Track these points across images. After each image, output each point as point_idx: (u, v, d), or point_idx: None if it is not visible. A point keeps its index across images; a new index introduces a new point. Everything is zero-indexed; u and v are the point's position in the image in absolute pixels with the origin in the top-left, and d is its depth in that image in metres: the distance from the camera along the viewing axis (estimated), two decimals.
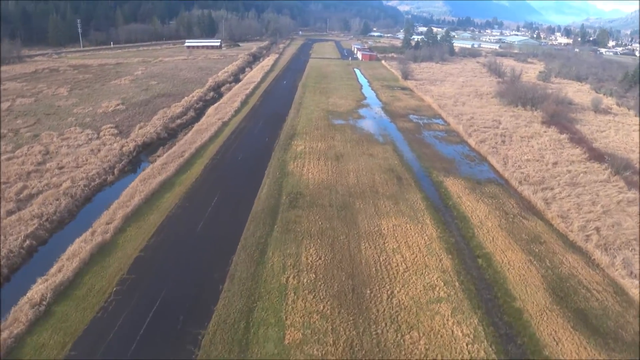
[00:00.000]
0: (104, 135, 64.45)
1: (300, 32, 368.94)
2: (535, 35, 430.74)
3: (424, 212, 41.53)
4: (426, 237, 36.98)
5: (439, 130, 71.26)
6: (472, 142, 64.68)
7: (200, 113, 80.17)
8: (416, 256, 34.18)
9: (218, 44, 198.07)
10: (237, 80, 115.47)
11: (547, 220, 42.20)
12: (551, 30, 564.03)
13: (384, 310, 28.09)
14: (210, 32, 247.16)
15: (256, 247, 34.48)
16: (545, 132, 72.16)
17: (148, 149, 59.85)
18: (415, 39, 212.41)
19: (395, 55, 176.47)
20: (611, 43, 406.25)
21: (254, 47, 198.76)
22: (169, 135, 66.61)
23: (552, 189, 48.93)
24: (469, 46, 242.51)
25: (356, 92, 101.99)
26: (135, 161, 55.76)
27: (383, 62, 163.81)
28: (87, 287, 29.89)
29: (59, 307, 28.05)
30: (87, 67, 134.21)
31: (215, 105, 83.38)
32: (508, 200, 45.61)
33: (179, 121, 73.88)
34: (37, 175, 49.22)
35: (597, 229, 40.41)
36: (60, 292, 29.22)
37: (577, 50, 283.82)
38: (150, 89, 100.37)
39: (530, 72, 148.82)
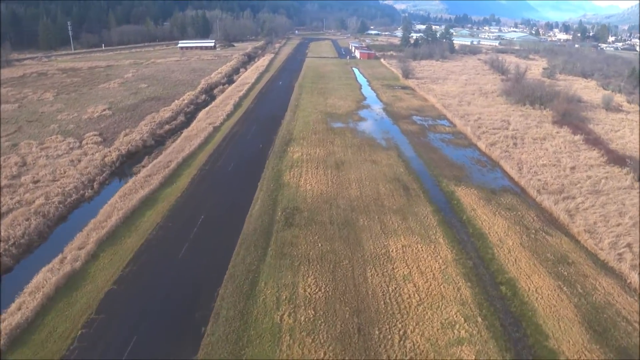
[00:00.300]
0: (87, 143, 60.01)
1: (297, 32, 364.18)
2: (534, 32, 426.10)
3: (436, 229, 37.06)
4: (440, 261, 32.50)
5: (445, 132, 66.78)
6: (481, 145, 60.25)
7: (190, 117, 75.62)
8: (430, 285, 29.71)
9: (212, 44, 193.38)
10: (230, 81, 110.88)
11: (572, 235, 37.79)
12: (549, 27, 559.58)
13: (397, 356, 23.62)
14: (204, 33, 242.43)
15: (246, 276, 29.97)
16: (557, 132, 67.76)
17: (133, 159, 55.36)
18: (414, 37, 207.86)
19: (394, 54, 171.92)
20: (610, 38, 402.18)
21: (249, 47, 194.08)
22: (156, 143, 62.05)
23: (573, 198, 44.54)
24: (469, 43, 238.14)
25: (355, 92, 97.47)
26: (118, 172, 51.29)
27: (382, 60, 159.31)
28: (48, 329, 25.45)
29: (12, 355, 23.63)
30: (76, 70, 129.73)
31: (207, 108, 78.83)
32: (527, 212, 41.16)
33: (167, 127, 69.32)
34: (9, 191, 44.79)
35: (629, 246, 36.03)
36: (16, 337, 24.85)
37: (577, 46, 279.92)
38: (139, 93, 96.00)
39: (533, 68, 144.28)
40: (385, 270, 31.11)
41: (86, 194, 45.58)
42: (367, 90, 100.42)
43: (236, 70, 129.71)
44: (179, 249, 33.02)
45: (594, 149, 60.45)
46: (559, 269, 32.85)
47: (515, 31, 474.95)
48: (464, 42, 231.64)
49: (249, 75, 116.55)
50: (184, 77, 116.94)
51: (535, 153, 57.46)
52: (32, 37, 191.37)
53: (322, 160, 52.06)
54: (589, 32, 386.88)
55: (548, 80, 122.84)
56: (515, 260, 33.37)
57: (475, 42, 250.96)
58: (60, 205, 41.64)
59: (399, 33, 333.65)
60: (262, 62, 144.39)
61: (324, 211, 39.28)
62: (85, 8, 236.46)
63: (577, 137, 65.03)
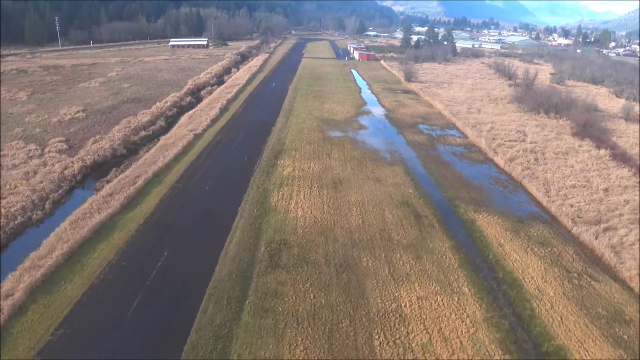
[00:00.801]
0: (49, 151, 52.58)
1: (293, 31, 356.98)
2: (534, 36, 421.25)
3: (458, 272, 29.72)
4: (468, 321, 25.15)
5: (456, 144, 59.51)
6: (499, 160, 53.03)
7: (172, 122, 68.03)
8: (458, 359, 22.35)
9: (205, 43, 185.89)
10: (220, 82, 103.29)
11: (623, 280, 30.62)
12: (549, 31, 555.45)
13: None
14: (198, 31, 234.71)
15: (214, 346, 22.51)
16: (580, 146, 60.70)
17: (99, 171, 47.83)
18: (415, 38, 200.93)
19: (394, 55, 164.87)
20: (611, 44, 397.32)
21: (243, 46, 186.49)
22: (128, 152, 54.45)
23: (615, 229, 37.40)
24: (470, 46, 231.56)
25: (355, 96, 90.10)
26: (78, 187, 43.73)
27: (382, 62, 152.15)
28: None
29: None
30: (59, 68, 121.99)
31: (191, 112, 71.23)
32: (565, 248, 33.91)
33: (143, 133, 61.73)
34: None
35: None
36: None
37: (579, 51, 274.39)
38: (120, 93, 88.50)
39: (540, 74, 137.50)
40: (397, 335, 23.73)
41: (34, 216, 38.05)
42: (367, 94, 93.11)
43: (227, 70, 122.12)
44: (130, 302, 25.47)
45: (624, 167, 53.48)
46: (616, 330, 25.70)
47: (514, 35, 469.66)
48: (465, 45, 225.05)
49: (240, 75, 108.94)
50: (171, 76, 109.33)
51: (561, 171, 50.26)
52: (19, 32, 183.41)
53: (317, 177, 44.64)
54: (590, 37, 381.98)
55: (557, 86, 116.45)
56: (562, 318, 26.09)
57: (476, 45, 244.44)
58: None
59: (399, 34, 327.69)
60: (255, 62, 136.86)
61: (319, 246, 31.86)
62: (76, 5, 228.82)
63: (603, 152, 58.02)
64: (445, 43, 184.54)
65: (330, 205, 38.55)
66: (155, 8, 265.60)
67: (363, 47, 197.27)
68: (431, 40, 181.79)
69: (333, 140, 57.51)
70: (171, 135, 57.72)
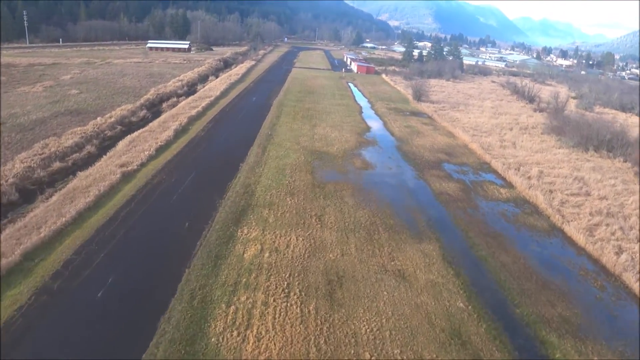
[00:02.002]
0: None
1: (286, 39, 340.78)
2: (534, 55, 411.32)
3: None
4: None
5: (502, 199, 41.62)
6: (572, 232, 35.33)
7: (108, 146, 49.40)
8: None
9: (186, 46, 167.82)
10: (191, 92, 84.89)
11: None
12: (546, 51, 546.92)
13: None
14: (183, 34, 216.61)
15: None
16: None
17: None
18: (419, 52, 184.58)
19: (397, 69, 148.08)
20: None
21: (228, 52, 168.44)
22: (22, 197, 35.74)
23: None
24: (473, 63, 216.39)
25: (355, 117, 72.14)
26: None
27: (383, 76, 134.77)
28: None
29: None
30: (11, 67, 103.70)
31: (137, 133, 52.61)
32: None
33: (58, 164, 43.06)
34: None
35: None
36: None
37: (583, 72, 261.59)
38: (62, 102, 70.25)
39: (561, 97, 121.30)
40: None
41: None
42: (370, 116, 75.23)
43: (204, 78, 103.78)
44: None
45: None
46: None
47: (511, 53, 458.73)
48: (469, 62, 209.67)
49: (216, 85, 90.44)
50: (134, 83, 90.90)
51: None
52: None
53: (299, 268, 26.35)
54: (592, 60, 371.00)
55: (587, 112, 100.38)
56: None
57: (480, 62, 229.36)
58: None
59: (397, 47, 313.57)
60: (238, 69, 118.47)
61: None
62: (54, 2, 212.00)
63: None
64: (450, 58, 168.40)
65: (321, 341, 20.26)
66: (140, 8, 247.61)
67: (361, 58, 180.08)
68: (436, 55, 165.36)
69: (327, 188, 39.25)
70: (91, 173, 39.02)
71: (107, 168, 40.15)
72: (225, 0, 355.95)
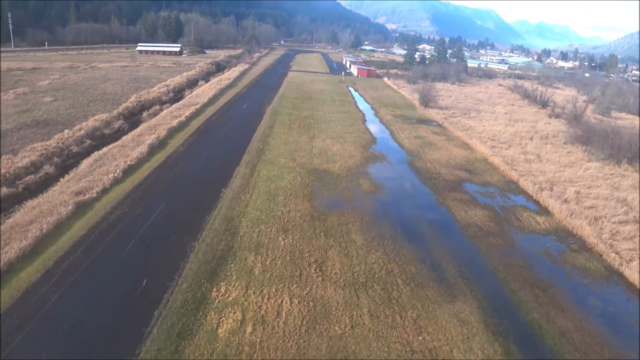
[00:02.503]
0: None
1: (283, 42, 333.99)
2: (535, 58, 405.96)
3: None
4: None
5: (541, 231, 34.22)
6: (634, 277, 27.98)
7: (70, 166, 41.90)
8: None
9: (177, 49, 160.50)
10: (177, 98, 77.52)
11: None
12: (546, 54, 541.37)
13: None
14: (176, 37, 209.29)
15: None
16: None
17: None
18: (421, 55, 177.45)
19: (399, 72, 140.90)
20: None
21: (222, 55, 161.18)
22: None
23: None
24: (476, 65, 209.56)
25: (358, 126, 64.80)
26: None
27: (386, 80, 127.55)
28: None
29: None
30: None
31: (105, 149, 45.11)
32: None
33: (5, 190, 35.52)
34: None
35: None
36: None
37: (587, 74, 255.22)
38: (32, 110, 63.17)
39: (578, 102, 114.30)
40: None
41: None
42: (374, 124, 67.94)
43: (193, 83, 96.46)
44: None
45: None
46: None
47: (511, 56, 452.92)
48: (471, 64, 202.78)
49: (205, 91, 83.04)
50: (116, 89, 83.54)
51: None
52: None
53: (293, 352, 18.89)
54: (594, 61, 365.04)
55: (604, 118, 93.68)
56: None
57: (482, 65, 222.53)
58: None
59: (397, 50, 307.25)
60: (230, 73, 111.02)
61: None
62: (46, 3, 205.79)
63: None
64: (453, 61, 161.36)
65: None
66: (134, 11, 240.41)
67: (361, 61, 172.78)
68: (440, 57, 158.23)
69: (330, 220, 31.81)
70: (39, 204, 31.55)
71: (60, 196, 32.63)
72: (220, 1, 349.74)
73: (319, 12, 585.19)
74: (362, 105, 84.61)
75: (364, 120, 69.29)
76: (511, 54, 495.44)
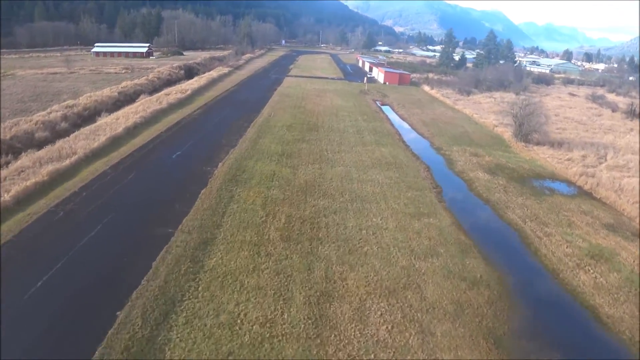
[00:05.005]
0: None
1: (284, 42, 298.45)
2: (570, 60, 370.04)
3: None
4: None
5: None
6: None
7: None
8: None
9: (144, 50, 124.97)
10: (79, 124, 40.79)
11: None
12: (568, 55, 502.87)
13: None
14: (154, 36, 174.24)
15: None
16: None
17: None
18: (461, 54, 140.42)
19: (435, 77, 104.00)
20: None
21: (202, 56, 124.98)
22: None
23: None
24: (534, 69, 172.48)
25: (426, 205, 27.84)
26: None
27: (426, 88, 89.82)
28: None
29: None
30: None
31: None
32: None
33: None
34: None
35: None
36: None
37: (631, 78, 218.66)
38: None
39: None
40: None
41: None
42: (460, 200, 30.79)
43: (129, 98, 60.04)
44: None
45: None
46: None
47: (538, 58, 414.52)
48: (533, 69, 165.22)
49: (120, 118, 45.25)
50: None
51: None
52: None
53: None
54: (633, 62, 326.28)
55: None
56: None
57: (525, 67, 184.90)
58: None
59: (417, 51, 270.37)
60: (192, 83, 73.29)
61: None
62: (17, 3, 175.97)
63: None
64: (502, 62, 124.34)
65: None
66: (116, 10, 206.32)
67: (384, 63, 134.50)
68: (491, 58, 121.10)
69: None
70: None
71: None
72: (219, 1, 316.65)
73: (325, 14, 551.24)
74: (412, 139, 47.42)
75: (435, 188, 32.11)
76: (536, 57, 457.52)
